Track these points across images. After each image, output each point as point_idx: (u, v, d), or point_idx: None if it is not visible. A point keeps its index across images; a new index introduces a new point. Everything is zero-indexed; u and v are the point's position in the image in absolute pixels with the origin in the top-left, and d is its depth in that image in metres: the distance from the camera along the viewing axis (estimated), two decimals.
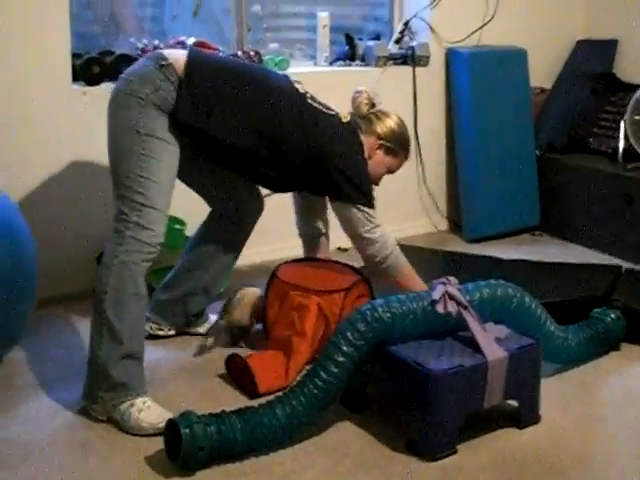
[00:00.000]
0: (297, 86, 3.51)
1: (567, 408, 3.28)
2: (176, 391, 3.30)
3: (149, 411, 3.01)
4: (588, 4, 5.99)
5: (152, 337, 3.70)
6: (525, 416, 3.11)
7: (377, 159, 3.67)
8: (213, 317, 3.89)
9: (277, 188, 3.72)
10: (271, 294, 3.62)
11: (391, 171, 3.79)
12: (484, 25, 5.46)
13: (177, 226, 4.28)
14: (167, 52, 3.21)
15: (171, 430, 2.77)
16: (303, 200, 3.89)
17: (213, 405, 3.00)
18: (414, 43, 5.26)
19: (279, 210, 4.42)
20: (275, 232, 4.64)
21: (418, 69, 5.27)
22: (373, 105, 3.68)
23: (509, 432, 3.07)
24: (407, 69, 5.26)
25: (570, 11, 5.97)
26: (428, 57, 5.29)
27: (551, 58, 5.88)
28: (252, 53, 4.71)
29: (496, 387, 2.96)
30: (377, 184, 3.74)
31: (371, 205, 3.53)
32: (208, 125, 3.17)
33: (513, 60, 5.47)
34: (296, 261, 3.84)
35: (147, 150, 3.04)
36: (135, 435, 2.98)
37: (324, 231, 3.94)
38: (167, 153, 3.11)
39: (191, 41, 4.38)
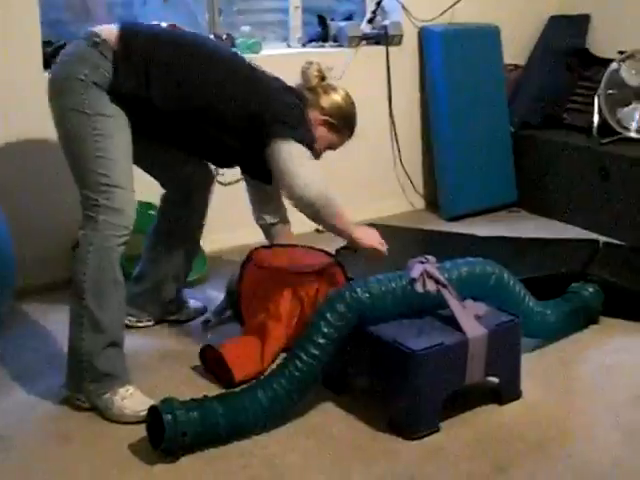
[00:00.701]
0: (236, 50, 3.42)
1: (547, 383, 3.29)
2: (157, 379, 3.29)
3: (132, 399, 3.00)
4: None
5: (131, 327, 3.69)
6: (506, 392, 3.12)
7: (320, 134, 3.50)
8: (193, 302, 3.89)
9: (221, 162, 3.67)
10: (245, 278, 3.59)
11: (332, 148, 3.64)
12: (456, 3, 5.44)
13: (151, 212, 4.26)
14: (99, 28, 3.11)
15: (153, 416, 2.77)
16: (255, 190, 3.81)
17: (195, 391, 3.00)
18: (387, 22, 5.24)
19: None
20: (248, 216, 4.64)
21: (391, 48, 5.25)
22: (323, 78, 3.54)
23: (490, 409, 3.09)
24: (380, 49, 5.24)
25: None
26: (401, 36, 5.28)
27: (524, 34, 5.87)
28: (224, 36, 4.69)
29: (477, 364, 2.97)
30: (317, 158, 3.56)
31: (305, 145, 3.28)
32: (149, 94, 3.09)
33: (486, 37, 5.47)
34: (269, 246, 3.81)
35: (99, 130, 2.99)
36: (118, 423, 2.97)
37: (279, 219, 3.81)
38: (119, 129, 3.05)
39: (163, 26, 4.35)
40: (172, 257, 3.69)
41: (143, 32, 3.21)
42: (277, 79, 3.45)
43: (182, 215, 3.66)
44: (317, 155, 3.56)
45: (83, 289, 3.00)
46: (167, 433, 2.69)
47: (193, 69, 3.19)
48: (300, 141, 3.25)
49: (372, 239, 3.44)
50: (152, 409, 2.79)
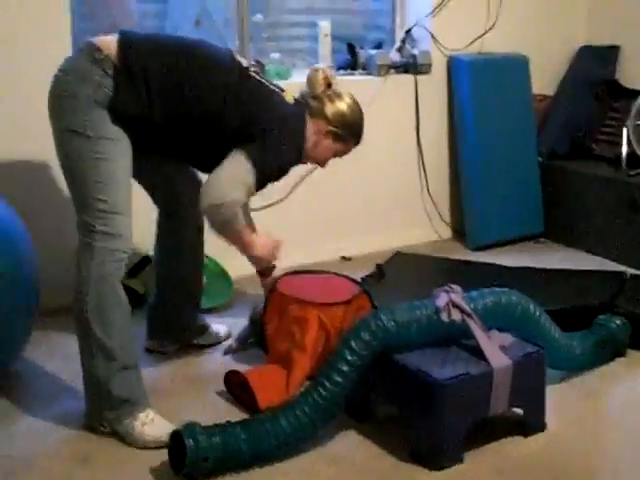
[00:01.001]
0: (239, 59, 3.34)
1: (573, 416, 3.26)
2: (180, 403, 3.29)
3: (152, 425, 2.99)
4: (590, 10, 5.97)
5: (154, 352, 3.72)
6: (531, 424, 3.10)
7: (325, 145, 3.47)
8: (216, 327, 3.90)
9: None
10: (270, 307, 3.56)
11: (338, 156, 3.60)
12: (486, 32, 5.45)
13: None
14: (99, 42, 3.03)
15: (175, 441, 2.76)
16: None
17: (217, 417, 2.99)
18: (416, 51, 5.26)
19: (278, 220, 4.45)
20: None
21: (420, 77, 5.26)
22: (330, 85, 3.46)
23: (515, 440, 3.06)
24: (409, 77, 5.25)
25: (572, 17, 5.95)
26: (430, 65, 5.29)
27: (553, 65, 5.87)
28: (254, 63, 4.70)
29: (501, 395, 2.94)
30: (323, 166, 3.66)
31: (259, 183, 3.26)
32: (151, 111, 3.05)
33: (515, 67, 5.47)
34: (295, 273, 3.79)
35: (101, 154, 2.94)
36: (139, 448, 2.97)
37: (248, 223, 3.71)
38: (120, 152, 3.00)
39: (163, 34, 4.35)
40: (181, 278, 3.68)
41: (143, 42, 3.13)
42: (276, 91, 3.39)
43: (180, 234, 3.62)
44: (323, 164, 3.63)
45: (88, 319, 2.97)
46: (189, 458, 2.69)
47: (193, 81, 3.13)
48: (261, 168, 3.22)
49: (267, 249, 3.59)
50: (174, 434, 2.78)
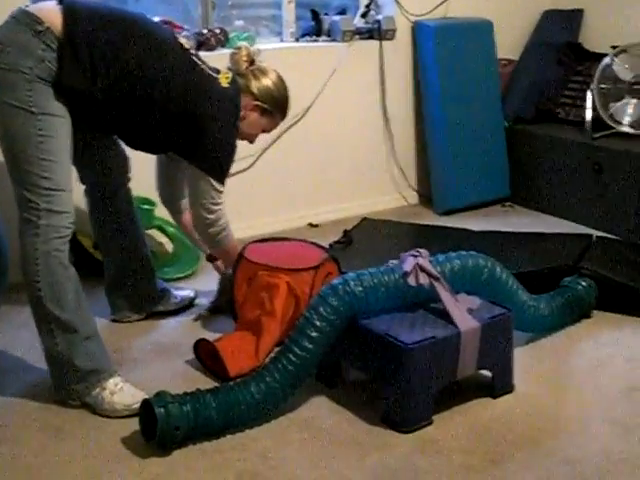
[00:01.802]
0: (182, 40, 3.32)
1: (540, 376, 3.30)
2: (150, 372, 3.29)
3: (122, 393, 2.99)
4: None
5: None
6: (499, 386, 3.13)
7: (252, 120, 3.52)
8: (179, 292, 3.91)
9: (153, 150, 3.53)
10: (239, 274, 3.55)
11: (265, 131, 3.64)
12: None
13: (146, 206, 4.27)
14: (38, 12, 2.90)
15: (146, 410, 2.77)
16: (166, 164, 3.73)
17: (188, 385, 3.00)
18: (380, 17, 5.24)
19: (245, 188, 4.44)
20: (241, 210, 4.65)
21: (385, 43, 5.25)
22: (252, 62, 3.51)
23: (483, 402, 3.09)
24: (374, 43, 5.24)
25: None
26: (394, 31, 5.28)
27: (518, 29, 5.88)
28: (217, 31, 4.68)
29: (469, 358, 2.97)
30: (252, 142, 3.69)
31: (222, 183, 3.45)
32: (94, 86, 2.99)
33: (480, 32, 5.47)
34: (262, 240, 3.80)
35: (45, 130, 2.87)
36: (110, 417, 2.97)
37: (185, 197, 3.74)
38: (63, 128, 2.94)
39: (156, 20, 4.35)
40: (128, 254, 3.67)
41: (88, 16, 3.00)
42: (214, 78, 3.38)
43: (111, 204, 3.59)
44: (251, 139, 3.65)
45: (40, 296, 2.94)
46: (160, 427, 2.69)
47: (140, 61, 3.09)
48: (222, 179, 3.44)
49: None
50: (145, 403, 2.79)
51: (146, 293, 3.78)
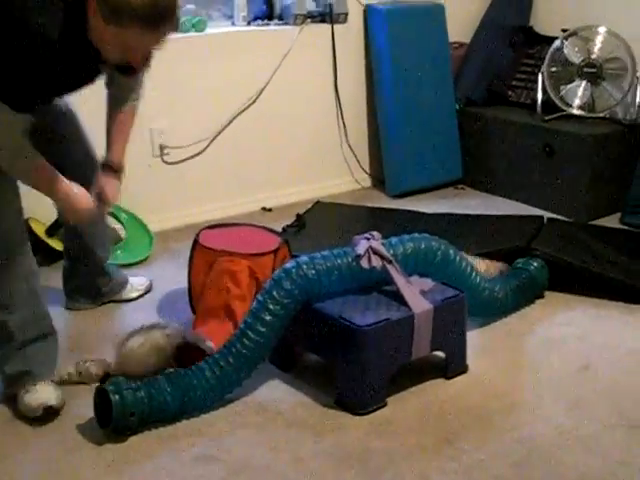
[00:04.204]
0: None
1: (494, 357, 3.33)
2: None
3: (36, 392, 2.88)
4: None
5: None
6: (452, 367, 3.15)
7: (96, 29, 2.41)
8: (135, 279, 3.89)
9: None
10: (196, 262, 3.51)
11: (131, 49, 2.48)
12: None
13: None
14: None
15: (101, 397, 2.76)
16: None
17: None
18: (332, 0, 5.23)
19: (196, 172, 4.43)
20: (195, 195, 4.64)
21: (337, 27, 5.23)
22: None
23: (437, 383, 3.12)
24: (326, 27, 5.22)
25: None
26: (346, 14, 5.26)
27: (469, 12, 5.88)
28: None
29: (423, 339, 2.99)
30: (111, 62, 2.60)
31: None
32: None
33: (431, 15, 5.46)
34: (215, 226, 3.75)
35: None
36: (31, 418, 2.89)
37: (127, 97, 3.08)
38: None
39: None
40: (80, 237, 3.56)
41: None
42: None
43: None
44: (112, 58, 2.56)
45: None
46: (115, 414, 2.69)
47: None
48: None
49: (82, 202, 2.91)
50: (100, 390, 2.77)
51: (100, 282, 3.71)
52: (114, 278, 3.77)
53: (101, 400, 2.76)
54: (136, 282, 3.88)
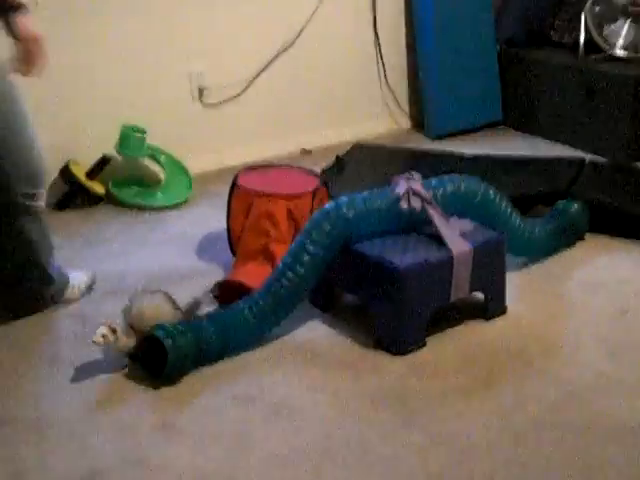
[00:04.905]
0: None
1: (533, 299, 3.32)
2: None
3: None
4: None
5: None
6: (492, 308, 3.15)
7: None
8: (75, 274, 3.36)
9: None
10: (235, 204, 3.50)
11: None
12: None
13: (138, 134, 4.25)
14: None
15: (149, 343, 2.76)
16: None
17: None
18: None
19: (237, 114, 4.42)
20: (232, 137, 4.65)
21: None
22: None
23: (476, 324, 3.12)
24: None
25: None
26: None
27: None
28: None
29: (462, 280, 2.99)
30: None
31: None
32: None
33: None
34: (254, 168, 3.74)
35: None
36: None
37: None
38: None
39: None
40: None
41: None
42: None
43: None
44: None
45: None
46: (170, 358, 2.70)
47: None
48: None
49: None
50: (149, 336, 2.76)
51: (40, 290, 3.22)
52: (52, 283, 3.23)
53: (150, 346, 2.76)
54: (77, 280, 3.35)
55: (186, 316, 2.93)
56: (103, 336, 2.73)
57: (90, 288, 3.37)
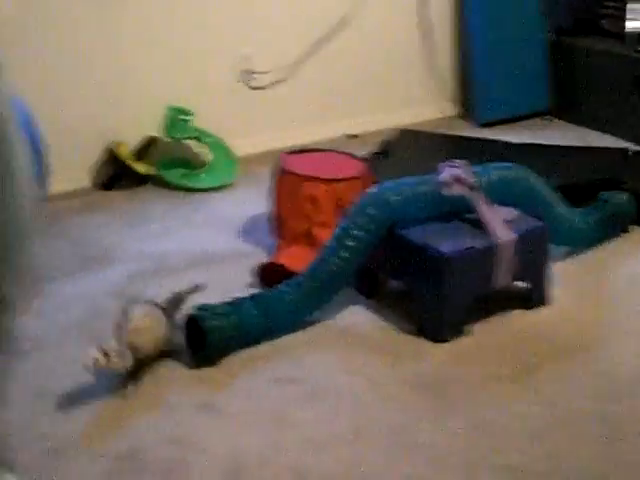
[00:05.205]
0: None
1: (577, 290, 3.29)
2: None
3: None
4: None
5: None
6: (535, 297, 3.13)
7: None
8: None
9: None
10: (280, 187, 3.51)
11: None
12: None
13: (183, 116, 4.27)
14: None
15: (192, 323, 2.79)
16: None
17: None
18: None
19: (282, 98, 4.42)
20: (276, 120, 4.65)
21: None
22: None
23: (519, 313, 3.10)
24: None
25: None
26: None
27: None
28: None
29: (505, 268, 2.97)
30: None
31: None
32: None
33: None
34: (299, 151, 3.76)
35: None
36: None
37: None
38: None
39: None
40: None
41: None
42: None
43: None
44: None
45: None
46: (211, 339, 2.72)
47: None
48: None
49: None
50: (191, 316, 2.79)
51: None
52: None
53: (192, 327, 2.78)
54: None
55: (168, 313, 2.81)
56: (95, 360, 2.52)
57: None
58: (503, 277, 2.99)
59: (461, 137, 4.87)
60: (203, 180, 4.33)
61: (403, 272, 3.04)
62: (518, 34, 5.31)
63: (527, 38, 5.37)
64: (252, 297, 2.91)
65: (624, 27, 5.16)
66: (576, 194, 3.75)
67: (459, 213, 3.07)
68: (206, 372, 2.75)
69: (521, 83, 5.36)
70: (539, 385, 2.69)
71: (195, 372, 2.76)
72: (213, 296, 2.91)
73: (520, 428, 2.49)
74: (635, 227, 3.75)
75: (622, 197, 3.68)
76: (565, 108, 5.42)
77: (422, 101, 5.40)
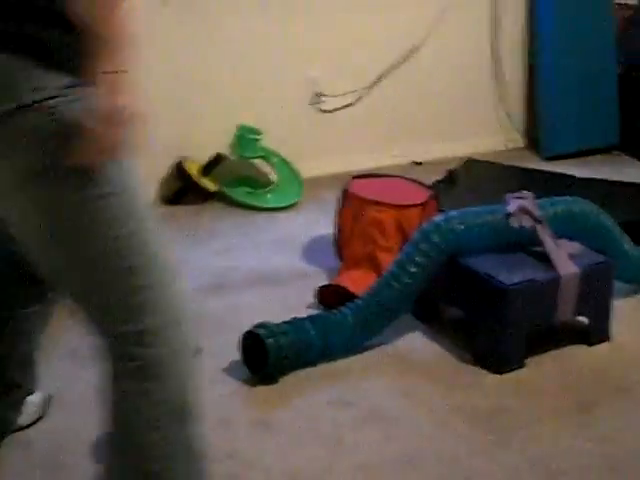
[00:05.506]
0: None
1: (638, 327, 3.26)
2: None
3: None
4: None
5: None
6: (595, 334, 3.11)
7: None
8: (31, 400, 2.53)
9: None
10: (345, 209, 3.53)
11: None
12: None
13: (251, 136, 4.31)
14: None
15: (250, 341, 2.81)
16: None
17: None
18: None
19: (349, 123, 4.44)
20: (345, 143, 4.67)
21: None
22: None
23: (578, 349, 3.08)
24: None
25: None
26: None
27: None
28: None
29: (567, 303, 2.96)
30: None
31: None
32: None
33: None
34: (366, 176, 3.78)
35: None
36: None
37: None
38: None
39: None
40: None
41: None
42: None
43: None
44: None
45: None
46: (271, 357, 2.74)
47: None
48: None
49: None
50: (250, 333, 2.80)
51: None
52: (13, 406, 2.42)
53: (251, 343, 2.80)
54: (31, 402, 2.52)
55: None
56: None
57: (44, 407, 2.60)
58: (565, 311, 2.97)
59: (527, 169, 4.85)
60: (268, 199, 4.36)
61: (464, 301, 3.04)
62: (589, 67, 5.29)
63: (599, 72, 5.35)
64: (311, 318, 2.92)
65: None
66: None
67: (523, 245, 3.06)
68: (264, 390, 2.77)
69: (591, 117, 5.33)
70: (595, 422, 2.66)
71: (254, 389, 2.78)
72: (273, 315, 2.93)
73: (573, 465, 2.46)
74: None
75: None
76: (635, 144, 5.37)
77: (489, 131, 5.39)
